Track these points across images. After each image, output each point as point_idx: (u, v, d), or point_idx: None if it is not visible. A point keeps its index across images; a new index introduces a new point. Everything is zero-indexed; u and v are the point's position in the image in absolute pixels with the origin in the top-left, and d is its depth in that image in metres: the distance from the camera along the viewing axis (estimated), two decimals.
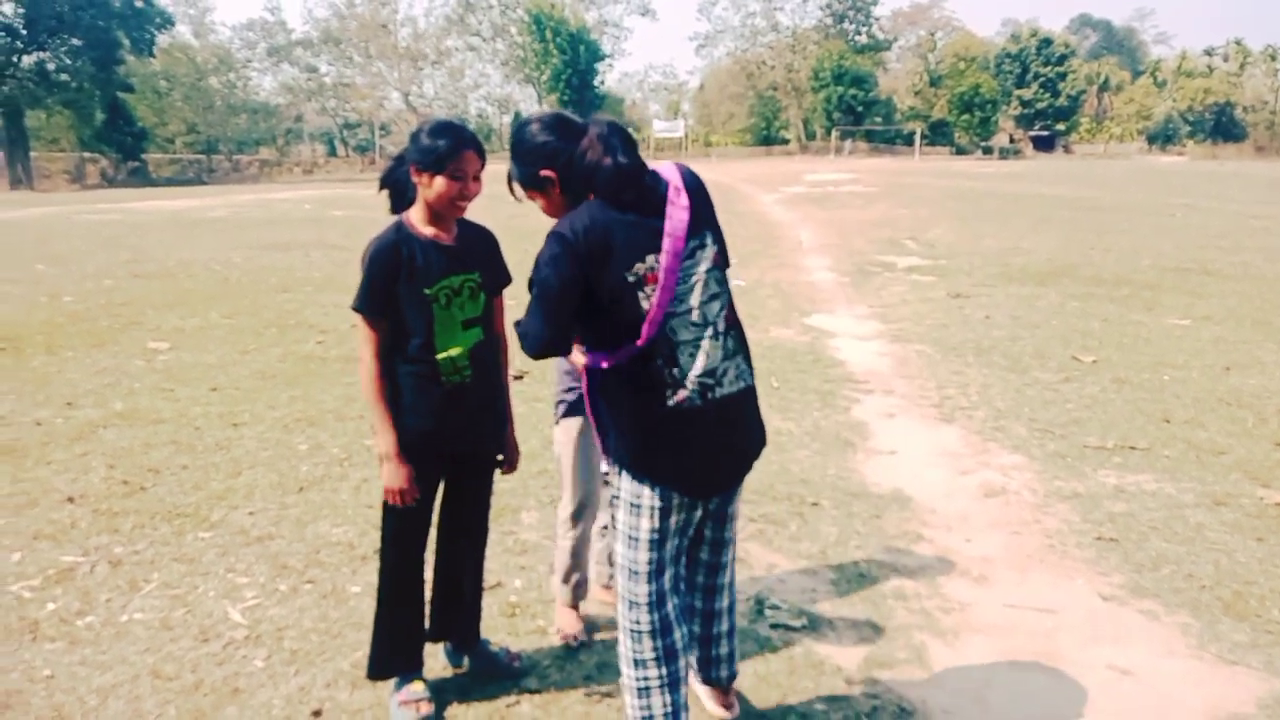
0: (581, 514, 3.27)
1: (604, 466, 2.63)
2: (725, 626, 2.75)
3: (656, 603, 2.42)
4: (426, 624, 3.07)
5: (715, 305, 2.34)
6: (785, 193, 30.26)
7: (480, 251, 2.88)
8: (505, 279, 2.96)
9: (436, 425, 2.77)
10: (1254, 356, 7.60)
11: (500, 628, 3.45)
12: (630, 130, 2.29)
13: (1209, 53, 79.46)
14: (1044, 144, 78.31)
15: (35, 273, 12.56)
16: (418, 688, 2.94)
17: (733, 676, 2.82)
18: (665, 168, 2.34)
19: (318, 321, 9.24)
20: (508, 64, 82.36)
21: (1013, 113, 78.56)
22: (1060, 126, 79.28)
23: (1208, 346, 8.05)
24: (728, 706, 2.82)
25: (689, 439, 2.31)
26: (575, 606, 3.40)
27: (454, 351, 2.76)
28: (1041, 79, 76.80)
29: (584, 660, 3.25)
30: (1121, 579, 3.83)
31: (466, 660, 3.18)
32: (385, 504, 2.84)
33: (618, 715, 2.88)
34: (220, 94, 70.63)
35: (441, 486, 2.97)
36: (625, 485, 2.40)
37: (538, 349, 2.34)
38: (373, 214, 23.50)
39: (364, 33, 79.72)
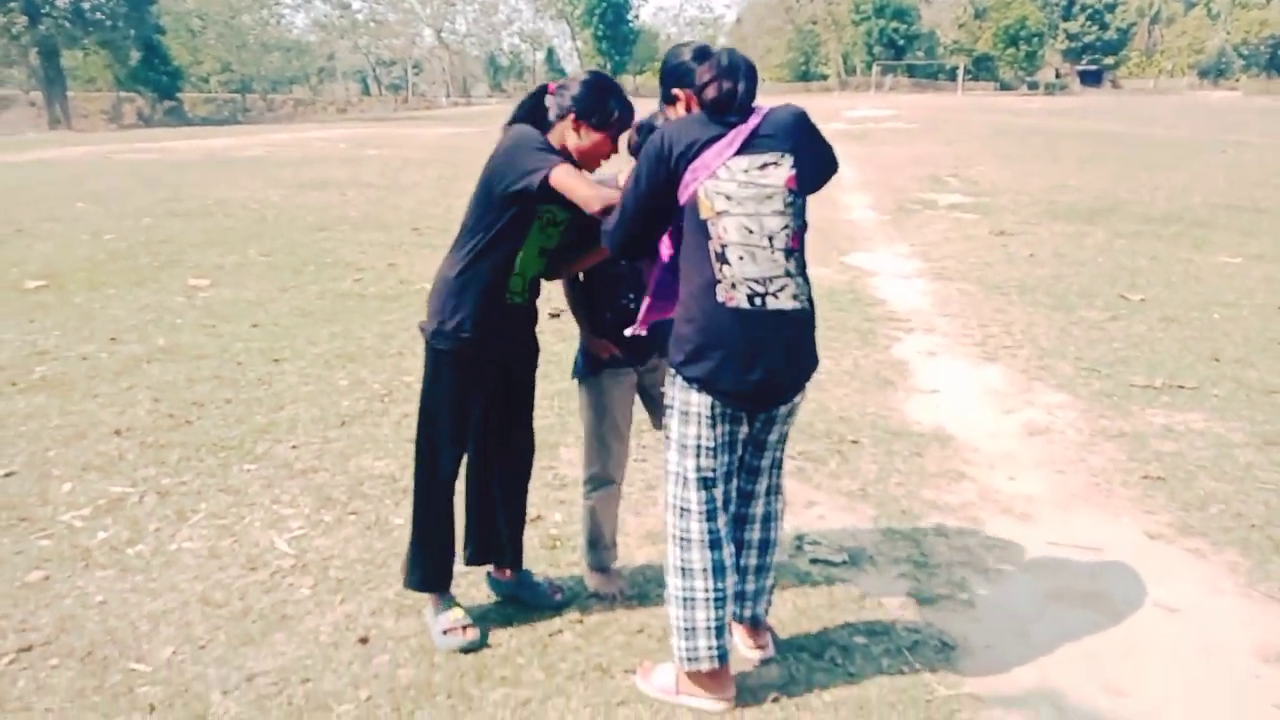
0: (596, 483, 3.17)
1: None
2: (753, 562, 2.72)
3: (708, 513, 2.47)
4: (465, 546, 3.14)
5: (776, 221, 2.41)
6: (824, 129, 29.67)
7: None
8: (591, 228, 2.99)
9: (489, 334, 2.82)
10: None
11: (541, 559, 3.48)
12: (744, 62, 2.49)
13: None
14: (1091, 79, 76.12)
15: (76, 211, 12.67)
16: (458, 614, 2.98)
17: (757, 619, 2.80)
18: (776, 105, 2.56)
19: (355, 259, 9.25)
20: None
21: (1059, 47, 76.30)
22: (1108, 61, 76.98)
23: (1258, 285, 7.85)
24: (760, 647, 2.82)
25: (735, 343, 2.38)
26: (605, 570, 3.28)
27: (526, 272, 2.85)
28: (1089, 11, 74.39)
29: (628, 589, 3.26)
30: (1168, 517, 3.77)
31: (509, 590, 3.21)
32: (422, 409, 2.93)
33: (659, 645, 2.89)
34: (253, 32, 70.28)
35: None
36: (676, 393, 2.50)
37: (617, 241, 2.53)
38: (407, 153, 23.46)
39: None
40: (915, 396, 5.23)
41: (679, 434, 2.51)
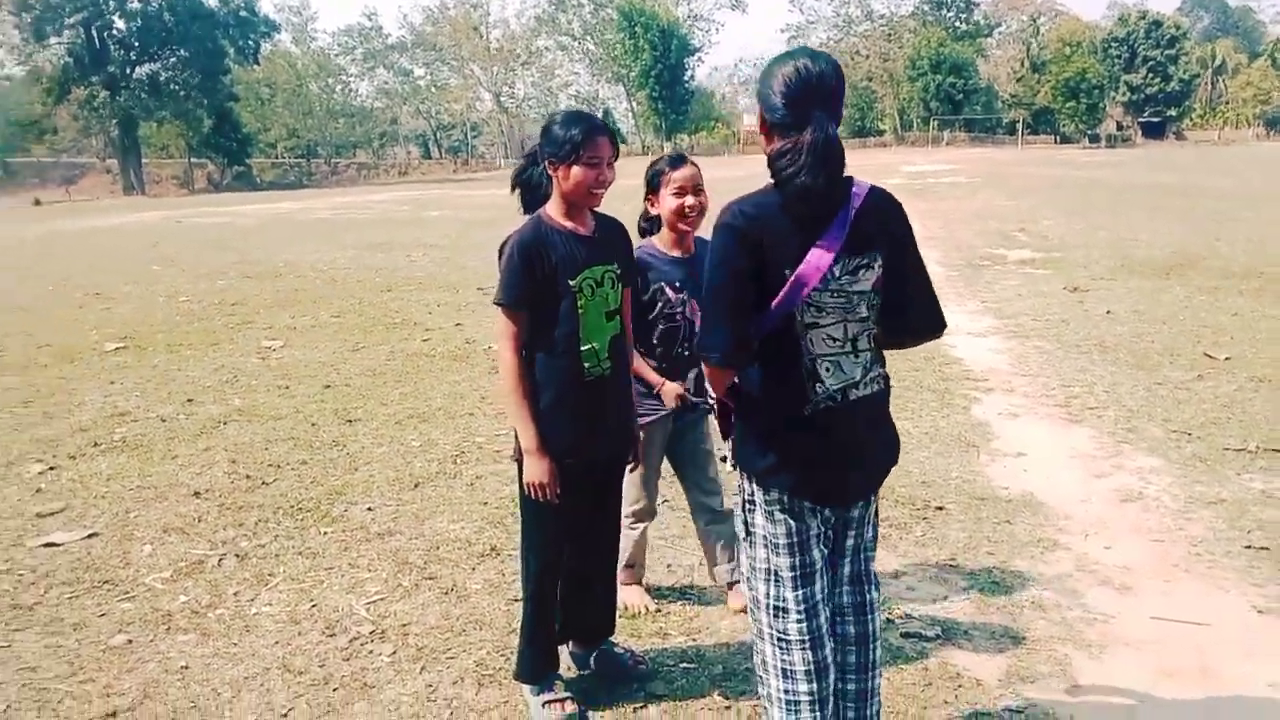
0: (642, 515, 3.49)
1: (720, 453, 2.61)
2: (853, 659, 2.46)
3: (807, 612, 2.30)
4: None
5: (859, 326, 2.23)
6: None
7: (616, 242, 2.87)
8: (635, 269, 2.98)
9: (579, 430, 2.75)
10: None
11: (621, 628, 3.39)
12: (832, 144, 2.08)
13: None
14: (1154, 130, 75.12)
15: (151, 274, 13.07)
16: (560, 687, 2.92)
17: None
18: (859, 181, 2.23)
19: (422, 319, 9.37)
20: (597, 62, 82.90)
21: (1121, 99, 75.53)
22: (1171, 112, 75.98)
23: None
24: None
25: (822, 447, 2.22)
26: (640, 583, 3.62)
27: (597, 343, 2.75)
28: (1151, 63, 73.64)
29: (711, 662, 3.17)
30: (1277, 590, 3.57)
31: (592, 662, 3.13)
32: (525, 505, 2.82)
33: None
34: (319, 99, 72.82)
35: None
36: (759, 494, 2.28)
37: (724, 350, 2.14)
38: (468, 214, 23.90)
39: (456, 35, 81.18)
40: (1000, 460, 5.08)
41: (768, 533, 2.30)
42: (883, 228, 2.22)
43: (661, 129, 71.69)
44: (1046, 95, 71.42)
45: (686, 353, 3.27)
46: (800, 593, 2.29)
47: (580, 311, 2.70)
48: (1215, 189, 24.43)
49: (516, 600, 3.56)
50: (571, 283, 2.69)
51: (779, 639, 2.30)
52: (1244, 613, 3.43)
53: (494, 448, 5.40)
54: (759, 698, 2.44)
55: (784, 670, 2.30)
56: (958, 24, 76.49)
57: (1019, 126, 68.76)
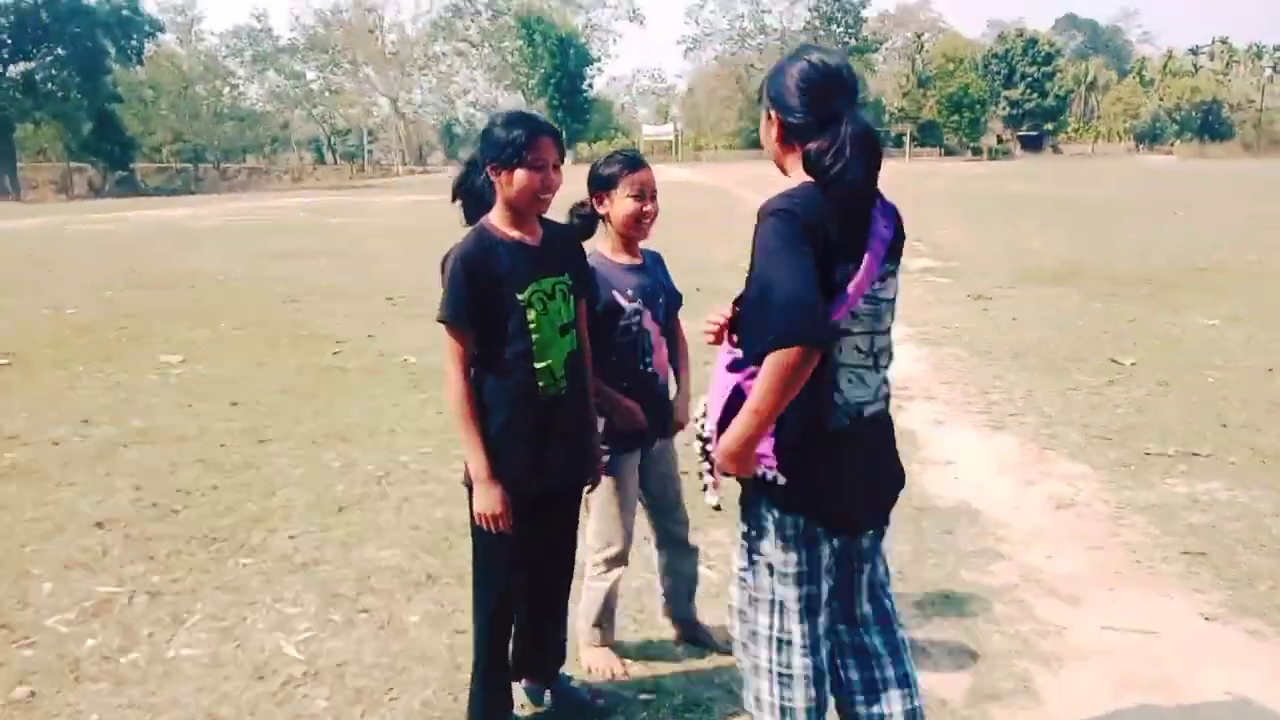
0: (616, 562, 3.12)
1: (711, 499, 2.37)
2: (897, 708, 2.33)
3: (811, 646, 2.19)
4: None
5: (884, 339, 2.15)
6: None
7: (568, 251, 2.70)
8: (591, 280, 2.80)
9: (534, 455, 2.58)
10: None
11: (574, 662, 3.24)
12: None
13: (1194, 52, 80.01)
14: (1032, 144, 78.53)
15: (33, 284, 12.29)
16: None
17: None
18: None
19: (331, 332, 9.01)
20: (495, 69, 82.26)
21: (1001, 113, 78.72)
22: (1048, 126, 79.53)
23: (1241, 347, 7.90)
24: None
25: (842, 466, 2.11)
26: (610, 645, 3.22)
27: (551, 360, 2.58)
28: (1029, 79, 77.00)
29: (670, 693, 3.05)
30: (1219, 596, 3.64)
31: (547, 699, 2.98)
32: (476, 535, 2.64)
33: None
34: (207, 102, 70.26)
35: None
36: (770, 517, 2.14)
37: (815, 324, 1.88)
38: (370, 221, 23.30)
39: (351, 39, 79.51)
40: (931, 468, 5.10)
41: (776, 561, 2.16)
42: (899, 233, 2.15)
43: (560, 137, 71.40)
44: (932, 109, 73.99)
45: (649, 368, 3.08)
46: (806, 625, 2.18)
47: (532, 327, 2.53)
48: (1095, 200, 25.57)
49: (460, 632, 3.39)
50: (520, 296, 2.51)
51: (781, 675, 2.18)
52: (1191, 620, 3.48)
53: (420, 467, 5.18)
54: None
55: (782, 708, 2.19)
56: (847, 39, 78.47)
57: (906, 139, 70.87)
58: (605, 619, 3.18)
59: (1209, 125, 77.22)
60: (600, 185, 3.00)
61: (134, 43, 52.36)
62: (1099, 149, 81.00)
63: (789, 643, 2.18)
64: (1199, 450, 5.28)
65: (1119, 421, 5.85)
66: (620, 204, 2.97)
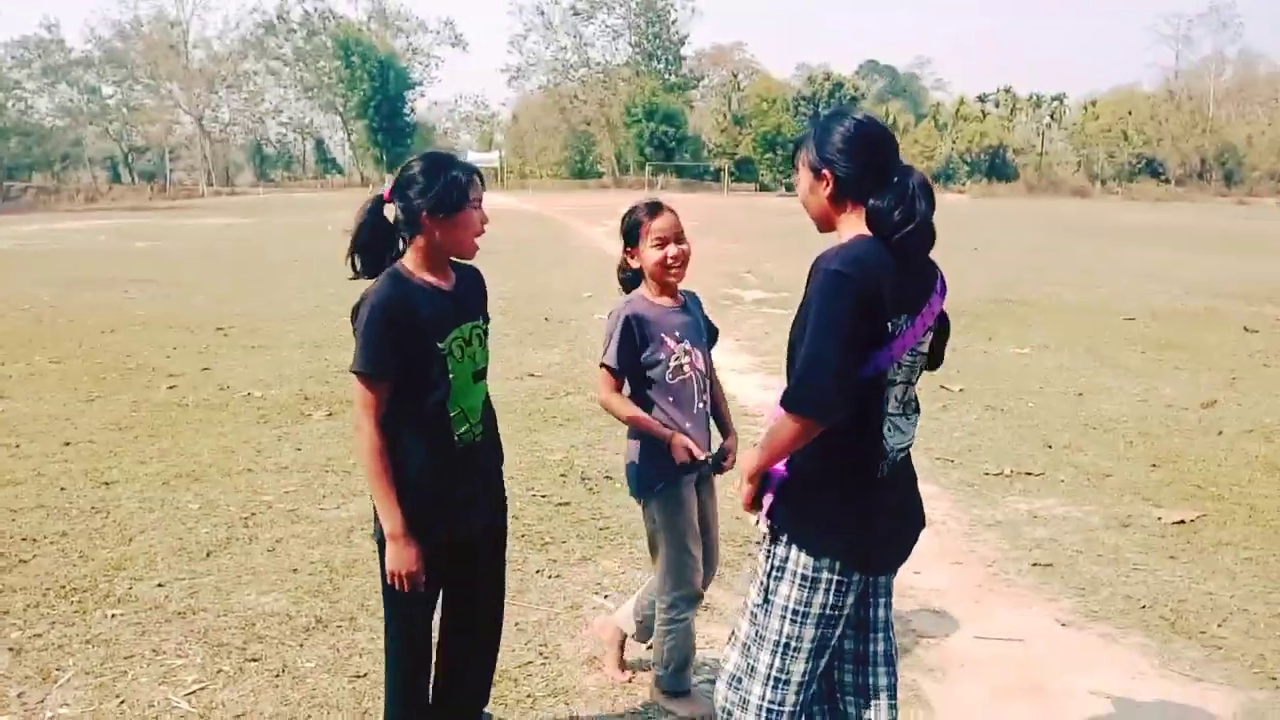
0: (690, 601, 3.07)
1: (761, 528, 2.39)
2: None
3: (806, 685, 2.26)
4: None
5: (913, 390, 2.26)
6: (610, 225, 30.29)
7: (478, 294, 2.69)
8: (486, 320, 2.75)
9: (452, 504, 2.54)
10: (1098, 383, 8.23)
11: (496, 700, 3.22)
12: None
13: (982, 99, 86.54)
14: None
15: None
16: None
17: None
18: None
19: (161, 364, 8.49)
20: (311, 89, 79.65)
21: None
22: None
23: (1053, 373, 8.65)
24: None
25: (880, 512, 2.20)
26: (690, 692, 3.19)
27: (466, 406, 2.55)
28: None
29: None
30: (1070, 604, 4.01)
31: None
32: (388, 592, 2.56)
33: None
34: None
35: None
36: (798, 559, 2.18)
37: (828, 401, 2.01)
38: (182, 245, 22.03)
39: (151, 53, 75.10)
40: None
41: (795, 602, 2.18)
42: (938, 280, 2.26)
43: (382, 161, 69.84)
44: (748, 146, 76.89)
45: (705, 406, 3.09)
46: (809, 665, 2.24)
47: (450, 376, 2.49)
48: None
49: (360, 677, 3.32)
50: (440, 345, 2.47)
51: (770, 711, 2.24)
52: (1050, 626, 3.81)
53: (286, 506, 4.98)
54: None
55: None
56: (668, 75, 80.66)
57: (724, 174, 73.43)
58: (687, 661, 3.12)
59: (996, 167, 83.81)
60: (629, 240, 3.08)
61: None
62: None
63: (786, 682, 2.24)
64: (1031, 470, 5.77)
65: (957, 444, 6.31)
66: (647, 254, 3.04)
